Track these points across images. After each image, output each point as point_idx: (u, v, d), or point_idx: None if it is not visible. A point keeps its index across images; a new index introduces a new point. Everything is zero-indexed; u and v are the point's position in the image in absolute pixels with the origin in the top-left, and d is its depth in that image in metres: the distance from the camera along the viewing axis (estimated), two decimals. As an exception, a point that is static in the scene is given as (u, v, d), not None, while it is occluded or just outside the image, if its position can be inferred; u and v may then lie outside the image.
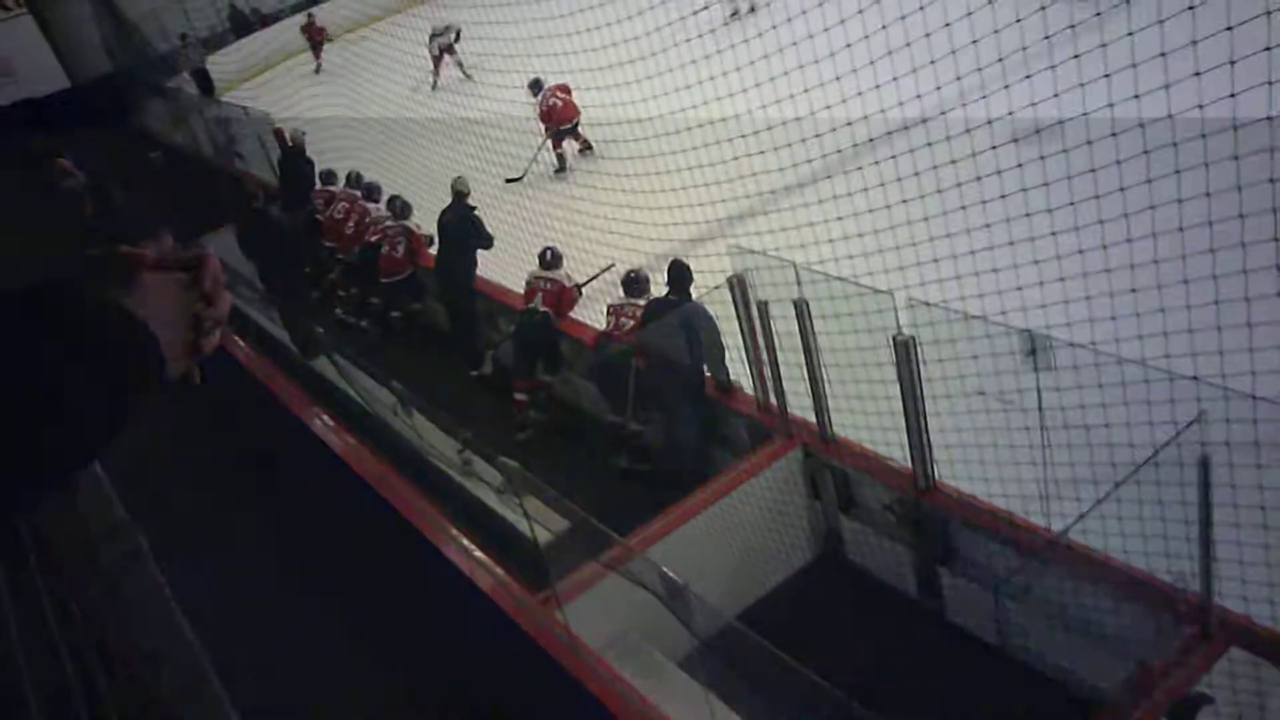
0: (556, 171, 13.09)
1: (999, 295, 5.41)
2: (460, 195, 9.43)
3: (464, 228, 9.27)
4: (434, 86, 17.39)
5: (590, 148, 13.16)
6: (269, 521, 7.52)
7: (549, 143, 13.04)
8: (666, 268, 6.99)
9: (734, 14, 16.81)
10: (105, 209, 15.07)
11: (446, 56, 17.82)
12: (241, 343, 8.74)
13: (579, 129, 13.04)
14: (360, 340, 10.27)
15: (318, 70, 22.50)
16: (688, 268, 6.91)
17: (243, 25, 25.93)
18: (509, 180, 12.34)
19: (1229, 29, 4.63)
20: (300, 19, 23.87)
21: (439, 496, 6.41)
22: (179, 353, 1.01)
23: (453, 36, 17.51)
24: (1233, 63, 4.63)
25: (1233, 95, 4.69)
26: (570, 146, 13.18)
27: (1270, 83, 4.55)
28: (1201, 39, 4.70)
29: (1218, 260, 4.73)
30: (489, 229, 9.33)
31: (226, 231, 11.82)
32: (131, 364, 0.93)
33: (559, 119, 12.95)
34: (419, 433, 6.64)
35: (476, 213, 9.40)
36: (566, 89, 12.78)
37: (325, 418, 7.50)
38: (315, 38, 23.12)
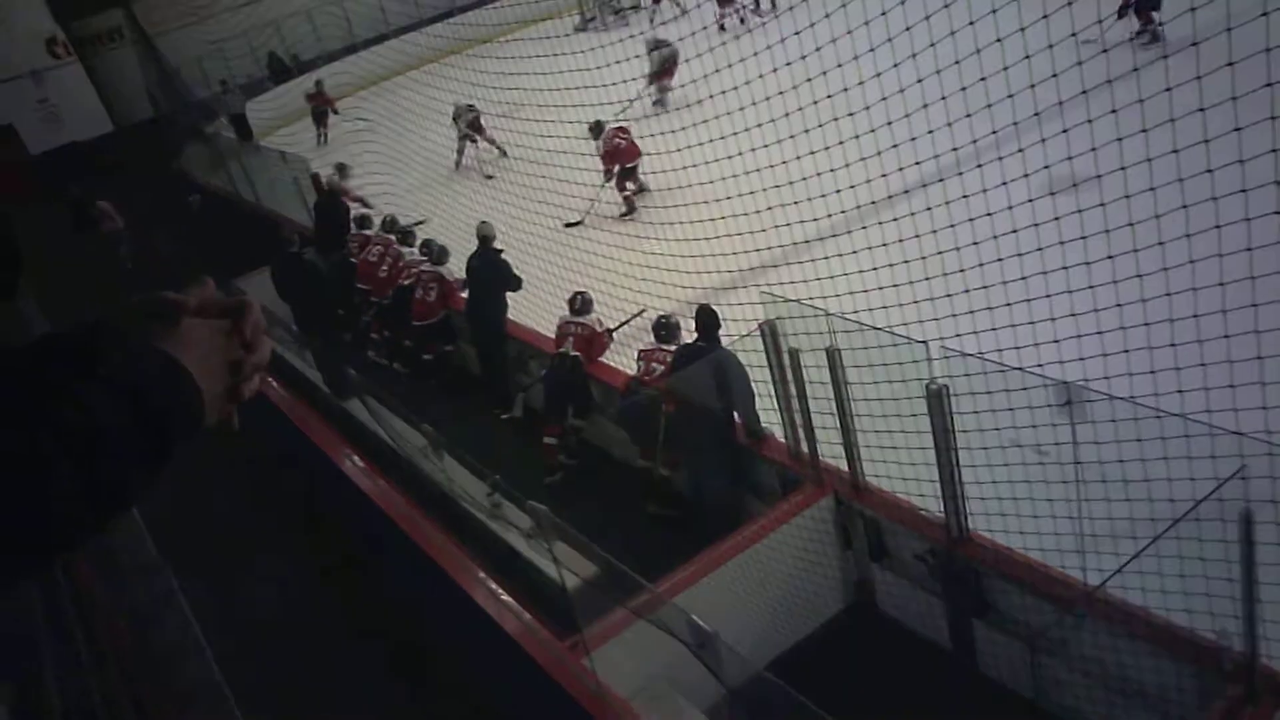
0: (623, 215, 13.12)
1: (1036, 348, 5.38)
2: (485, 240, 9.54)
3: (491, 272, 9.37)
4: (456, 165, 16.75)
5: (646, 190, 13.24)
6: (300, 561, 7.53)
7: (614, 185, 13.14)
8: (695, 314, 7.00)
9: (656, 103, 16.86)
10: (145, 252, 15.31)
11: (477, 137, 16.81)
12: (275, 384, 8.81)
13: (638, 171, 13.14)
14: (392, 382, 10.32)
15: (322, 142, 21.47)
16: (715, 314, 6.91)
17: (281, 72, 26.47)
18: (568, 225, 12.36)
19: (1269, 85, 4.63)
20: (310, 84, 22.94)
21: (468, 539, 6.40)
22: (219, 399, 1.01)
23: (474, 117, 16.48)
24: (1274, 118, 4.63)
25: (1274, 151, 4.69)
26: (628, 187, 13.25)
27: None
28: (1242, 95, 4.71)
29: (1260, 316, 4.69)
30: (517, 271, 9.43)
31: (263, 273, 11.97)
32: (173, 410, 0.94)
33: (624, 159, 13.02)
34: (449, 475, 6.64)
35: (503, 255, 9.49)
36: (627, 130, 13.02)
37: (356, 459, 7.52)
38: (321, 105, 21.91)
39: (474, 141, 16.83)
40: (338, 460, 7.57)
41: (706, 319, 6.87)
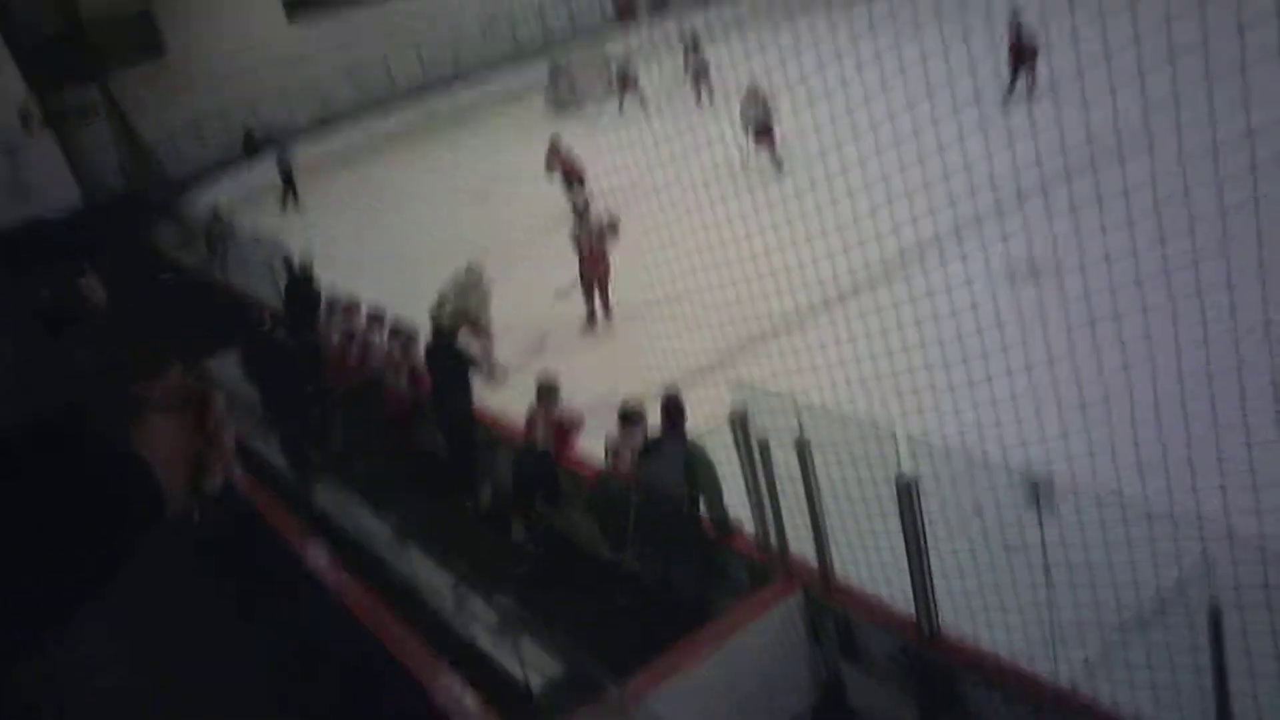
0: (587, 321, 12.23)
1: (998, 428, 5.42)
2: (440, 331, 9.55)
3: (451, 360, 9.36)
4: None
5: (608, 316, 12.12)
6: (258, 652, 7.36)
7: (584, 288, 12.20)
8: (661, 402, 6.95)
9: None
10: (124, 329, 15.15)
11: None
12: (238, 468, 8.69)
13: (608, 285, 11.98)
14: (358, 469, 10.21)
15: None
16: (681, 402, 6.84)
17: (255, 150, 26.57)
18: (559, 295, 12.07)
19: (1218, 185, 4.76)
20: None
21: (431, 633, 6.28)
22: (180, 492, 1.02)
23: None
24: (1225, 214, 4.74)
25: (1223, 241, 4.81)
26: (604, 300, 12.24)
27: (1260, 230, 4.66)
28: (1192, 187, 4.84)
29: (1219, 409, 4.77)
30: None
31: (232, 354, 11.88)
32: (132, 506, 0.95)
33: (589, 265, 12.14)
34: (413, 566, 6.56)
35: (458, 343, 9.52)
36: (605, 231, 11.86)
37: (319, 548, 7.41)
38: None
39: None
40: (300, 548, 7.45)
41: (672, 408, 6.81)
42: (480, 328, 10.82)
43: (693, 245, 7.71)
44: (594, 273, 11.96)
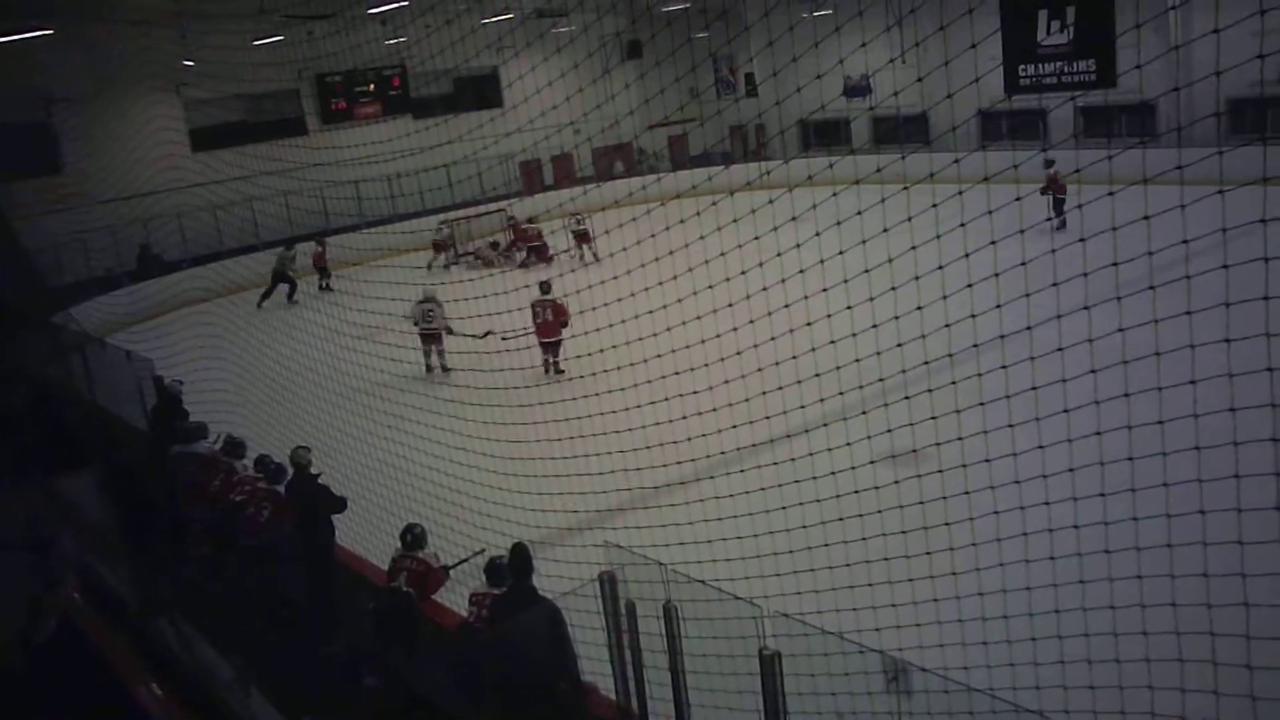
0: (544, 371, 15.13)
1: (876, 624, 5.48)
2: (301, 467, 9.32)
3: (311, 499, 9.10)
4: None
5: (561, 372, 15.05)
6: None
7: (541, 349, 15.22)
8: (509, 554, 6.73)
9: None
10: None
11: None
12: (78, 596, 8.17)
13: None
14: (210, 604, 9.69)
15: None
16: (528, 555, 6.62)
17: (148, 269, 26.00)
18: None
19: (1066, 412, 5.07)
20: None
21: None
22: (11, 639, 0.94)
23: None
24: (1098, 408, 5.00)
25: (1098, 433, 5.05)
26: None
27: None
28: (1047, 415, 5.13)
29: (1089, 619, 4.96)
30: (339, 492, 9.25)
31: (89, 474, 11.32)
32: None
33: (543, 333, 15.15)
34: (255, 713, 6.17)
35: (321, 479, 9.30)
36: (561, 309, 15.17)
37: (155, 687, 6.93)
38: None
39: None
40: (133, 686, 6.95)
41: (517, 560, 6.59)
42: None
43: (580, 409, 7.79)
44: (548, 337, 15.30)
